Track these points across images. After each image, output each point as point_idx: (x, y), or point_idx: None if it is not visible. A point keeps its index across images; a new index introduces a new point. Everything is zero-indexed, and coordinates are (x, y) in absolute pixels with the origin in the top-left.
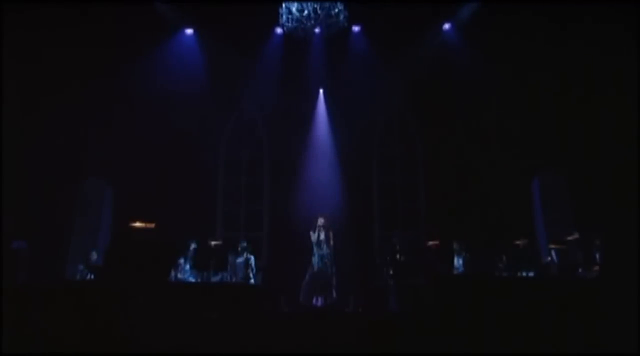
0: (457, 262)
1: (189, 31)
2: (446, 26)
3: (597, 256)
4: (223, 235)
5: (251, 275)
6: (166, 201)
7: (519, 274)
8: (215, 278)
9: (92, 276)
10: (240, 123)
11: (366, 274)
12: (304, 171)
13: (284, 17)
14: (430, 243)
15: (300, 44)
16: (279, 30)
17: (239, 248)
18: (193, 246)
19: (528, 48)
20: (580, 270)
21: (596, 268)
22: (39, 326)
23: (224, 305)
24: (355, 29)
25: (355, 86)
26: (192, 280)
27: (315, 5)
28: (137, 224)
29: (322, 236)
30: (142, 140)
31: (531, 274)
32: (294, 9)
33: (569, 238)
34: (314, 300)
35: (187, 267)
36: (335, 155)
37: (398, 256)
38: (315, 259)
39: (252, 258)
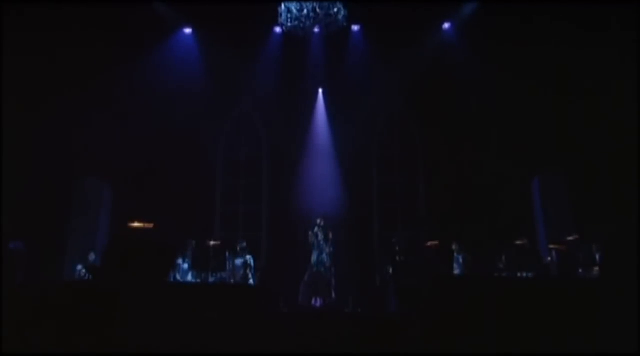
0: (457, 262)
1: (188, 30)
2: (446, 26)
3: (597, 256)
4: (222, 235)
5: (250, 275)
6: (165, 201)
7: (519, 274)
8: (213, 279)
9: (91, 277)
10: (239, 122)
11: (366, 274)
12: (303, 171)
13: (284, 16)
14: (430, 243)
15: (299, 43)
16: (278, 30)
17: (238, 249)
18: (192, 246)
19: (528, 48)
20: (580, 270)
21: (596, 268)
22: (38, 326)
23: (223, 305)
24: (355, 28)
25: (355, 86)
26: (191, 280)
27: (315, 5)
28: (136, 224)
29: (322, 236)
30: (141, 140)
31: (531, 274)
32: (293, 8)
33: (569, 238)
34: (313, 301)
35: (185, 266)
36: (335, 155)
37: (398, 256)
38: (314, 260)
39: (251, 258)
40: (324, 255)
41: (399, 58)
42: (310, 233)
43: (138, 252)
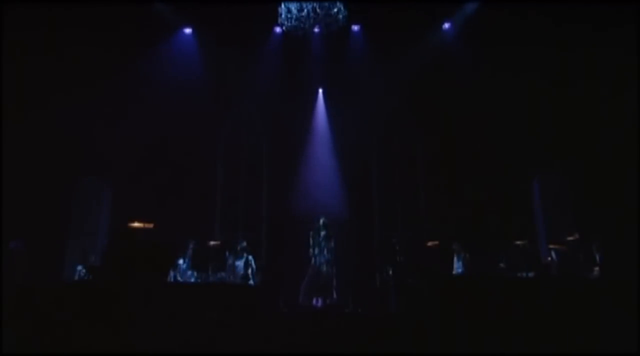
0: (457, 262)
1: (188, 30)
2: (446, 26)
3: (597, 256)
4: (222, 235)
5: (250, 275)
6: (165, 201)
7: (519, 274)
8: (213, 279)
9: (91, 277)
10: (239, 122)
11: (366, 274)
12: (303, 171)
13: (283, 16)
14: (430, 243)
15: (299, 43)
16: (278, 30)
17: (238, 249)
18: (191, 246)
19: (528, 48)
20: (580, 271)
21: (596, 268)
22: (38, 326)
23: (223, 305)
24: (355, 28)
25: (355, 86)
26: (191, 280)
27: (315, 5)
28: (136, 224)
29: (322, 236)
30: (141, 140)
31: (531, 274)
32: (293, 8)
33: (569, 238)
34: (314, 301)
35: (185, 267)
36: (335, 155)
37: (398, 256)
38: (315, 259)
39: (251, 258)
40: (325, 255)
41: (398, 58)
42: (310, 233)
43: (138, 251)
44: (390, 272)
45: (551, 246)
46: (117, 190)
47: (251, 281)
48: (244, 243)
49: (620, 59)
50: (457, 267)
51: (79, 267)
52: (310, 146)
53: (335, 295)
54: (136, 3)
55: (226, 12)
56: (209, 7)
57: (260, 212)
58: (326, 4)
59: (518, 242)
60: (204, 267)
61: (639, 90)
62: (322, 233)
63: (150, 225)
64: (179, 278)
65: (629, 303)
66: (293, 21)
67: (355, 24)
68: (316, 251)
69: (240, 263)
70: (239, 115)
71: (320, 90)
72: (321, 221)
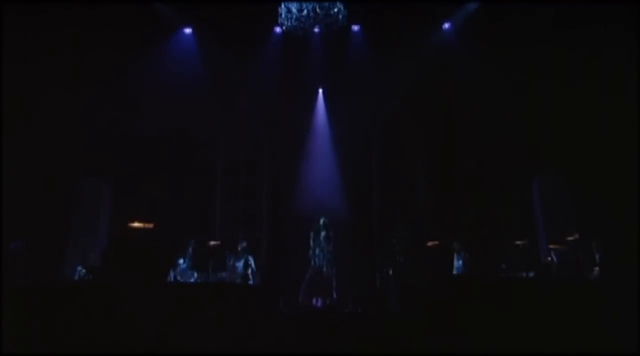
0: (457, 262)
1: (188, 30)
2: (446, 26)
3: (597, 256)
4: (222, 235)
5: (250, 275)
6: (165, 201)
7: (519, 274)
8: (213, 279)
9: (91, 277)
10: (239, 122)
11: (366, 274)
12: (303, 171)
13: (283, 16)
14: (430, 243)
15: (299, 43)
16: (278, 30)
17: (239, 249)
18: (191, 246)
19: (528, 48)
20: (580, 271)
21: (596, 268)
22: (38, 326)
23: (223, 305)
24: (355, 28)
25: (355, 85)
26: (191, 280)
27: (315, 5)
28: (136, 224)
29: (322, 236)
30: (141, 140)
31: (531, 274)
32: (293, 8)
33: (569, 238)
34: (314, 301)
35: (185, 266)
36: (335, 155)
37: (398, 256)
38: (315, 259)
39: (251, 258)
40: (325, 255)
41: (398, 58)
42: (311, 233)
43: (138, 251)
44: (390, 272)
45: (551, 246)
46: (118, 190)
47: (251, 281)
48: (244, 243)
49: (620, 59)
50: (457, 267)
51: (79, 267)
52: (310, 146)
53: (335, 295)
54: (136, 3)
55: (226, 12)
56: (209, 7)
57: (260, 211)
58: (326, 4)
59: (518, 242)
60: (204, 266)
61: (639, 90)
62: (323, 233)
63: (150, 225)
64: (179, 278)
65: (629, 303)
66: (293, 21)
67: (355, 24)
68: (316, 251)
69: (240, 263)
70: (239, 115)
71: (320, 90)
72: (321, 221)
